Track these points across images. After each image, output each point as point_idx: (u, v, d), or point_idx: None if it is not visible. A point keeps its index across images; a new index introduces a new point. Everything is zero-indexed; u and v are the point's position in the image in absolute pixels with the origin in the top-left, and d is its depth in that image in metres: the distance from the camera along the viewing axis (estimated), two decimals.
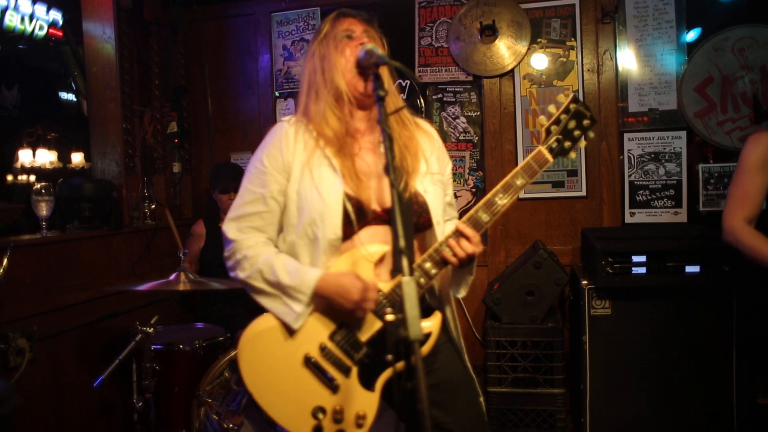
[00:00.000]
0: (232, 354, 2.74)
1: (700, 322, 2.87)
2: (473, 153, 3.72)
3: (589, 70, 3.57)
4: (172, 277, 2.78)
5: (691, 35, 3.47)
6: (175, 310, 3.70)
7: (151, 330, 2.56)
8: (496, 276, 3.58)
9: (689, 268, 2.83)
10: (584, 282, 2.97)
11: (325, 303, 1.59)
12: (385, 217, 1.62)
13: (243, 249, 1.66)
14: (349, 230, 1.59)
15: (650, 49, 3.49)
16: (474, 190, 3.72)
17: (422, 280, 1.59)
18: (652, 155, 3.49)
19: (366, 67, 1.61)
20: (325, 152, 1.65)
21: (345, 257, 1.60)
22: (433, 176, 1.72)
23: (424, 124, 1.83)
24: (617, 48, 3.53)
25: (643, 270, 2.86)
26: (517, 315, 3.09)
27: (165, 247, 3.70)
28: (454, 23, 3.68)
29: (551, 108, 1.70)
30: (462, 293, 1.80)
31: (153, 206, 3.72)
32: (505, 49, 3.59)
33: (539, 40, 3.61)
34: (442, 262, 1.59)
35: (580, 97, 3.54)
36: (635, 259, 2.87)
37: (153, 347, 2.64)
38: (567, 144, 1.65)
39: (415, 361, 1.11)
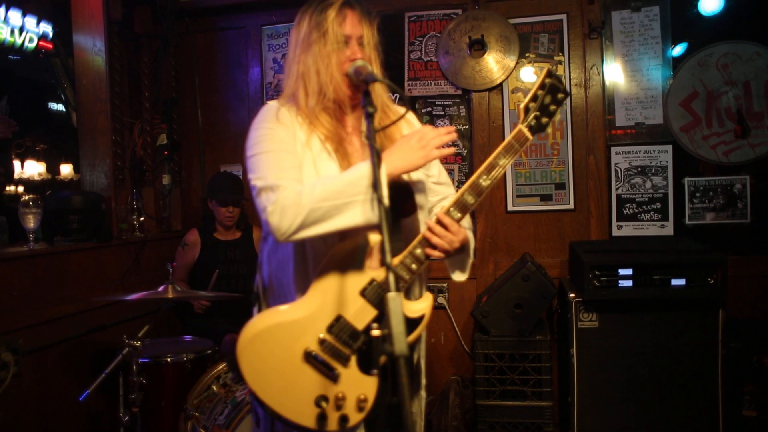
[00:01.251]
0: (220, 367, 2.74)
1: (686, 335, 2.89)
2: (462, 166, 3.74)
3: (576, 84, 3.61)
4: (161, 288, 2.77)
5: (678, 50, 3.52)
6: (163, 323, 3.68)
7: (138, 343, 2.54)
8: (484, 288, 3.59)
9: (675, 281, 2.86)
10: (572, 295, 2.99)
11: (321, 297, 1.59)
12: None
13: (290, 196, 1.54)
14: None
15: (637, 64, 3.54)
16: (458, 184, 3.73)
17: (414, 266, 1.62)
18: (639, 169, 3.53)
19: (356, 83, 1.63)
20: (322, 141, 1.67)
21: (349, 242, 1.59)
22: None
23: (402, 111, 1.79)
24: (604, 63, 3.58)
25: (629, 283, 2.89)
26: (506, 328, 3.11)
27: (154, 259, 3.69)
28: (443, 37, 3.71)
29: (527, 83, 1.71)
30: (460, 276, 1.79)
31: (142, 218, 3.71)
32: (494, 63, 3.63)
33: (527, 54, 3.65)
34: (424, 257, 1.62)
35: (568, 112, 3.59)
36: (622, 272, 2.89)
37: (140, 360, 2.62)
38: (544, 120, 1.69)
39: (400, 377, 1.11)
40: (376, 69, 1.69)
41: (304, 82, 1.69)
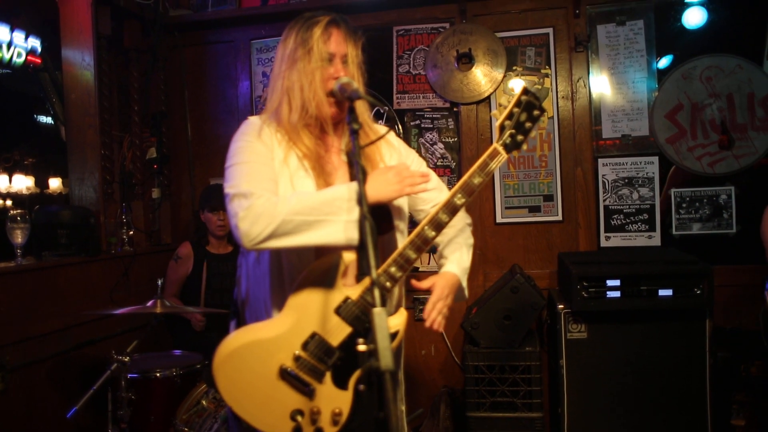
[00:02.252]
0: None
1: (674, 345, 2.91)
2: (451, 179, 3.76)
3: (563, 97, 3.65)
4: (150, 303, 2.76)
5: (663, 62, 3.57)
6: (153, 338, 3.66)
7: (126, 359, 2.53)
8: (474, 300, 3.60)
9: (662, 292, 2.88)
10: (560, 306, 3.00)
11: (296, 315, 1.60)
12: None
13: (263, 204, 1.54)
14: None
15: (622, 77, 3.59)
16: None
17: (387, 284, 1.63)
18: (626, 180, 3.57)
19: (340, 100, 1.64)
20: (300, 158, 1.69)
21: (324, 261, 1.61)
22: None
23: (383, 131, 1.80)
24: (590, 75, 3.62)
25: (617, 294, 2.91)
26: (495, 339, 3.11)
27: (143, 273, 3.67)
28: (431, 51, 3.75)
29: (504, 99, 1.74)
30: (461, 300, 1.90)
31: (131, 232, 3.70)
32: (482, 77, 3.67)
33: (515, 67, 3.68)
34: (406, 264, 1.64)
35: (555, 124, 3.62)
36: (609, 283, 2.92)
37: (129, 376, 2.61)
38: (519, 138, 1.69)
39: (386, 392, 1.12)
40: (361, 86, 1.71)
41: (288, 97, 1.71)
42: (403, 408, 1.86)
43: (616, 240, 3.58)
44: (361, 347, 1.20)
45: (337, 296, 1.61)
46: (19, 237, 2.90)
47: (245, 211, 1.53)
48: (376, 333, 1.15)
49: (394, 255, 1.64)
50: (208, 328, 3.43)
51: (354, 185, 1.55)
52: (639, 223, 3.55)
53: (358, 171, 1.37)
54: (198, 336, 3.42)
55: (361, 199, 1.36)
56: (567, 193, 3.64)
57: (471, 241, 1.97)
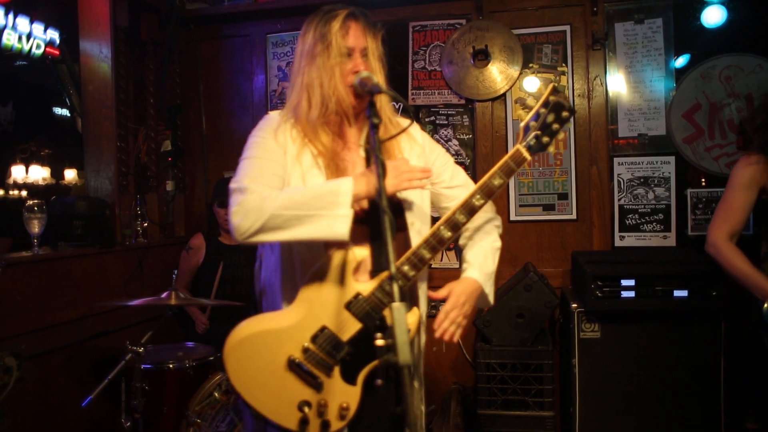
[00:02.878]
0: (222, 374, 2.74)
1: (688, 347, 2.89)
2: None
3: (579, 95, 3.63)
4: (164, 295, 2.78)
5: (680, 62, 3.53)
6: (165, 329, 3.68)
7: (141, 349, 2.55)
8: None
9: (677, 293, 2.86)
10: (574, 305, 2.99)
11: (307, 307, 1.61)
12: (362, 217, 1.65)
13: (255, 200, 1.55)
14: None
15: (640, 76, 3.56)
16: None
17: (400, 282, 1.61)
18: (642, 180, 3.54)
19: (360, 94, 1.64)
20: (314, 155, 1.69)
21: (336, 256, 1.61)
22: None
23: (405, 124, 1.75)
24: (607, 74, 3.59)
25: (632, 294, 2.89)
26: (508, 337, 3.10)
27: (157, 265, 3.70)
28: (447, 47, 3.73)
29: (530, 100, 1.72)
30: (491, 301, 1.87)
31: (145, 224, 3.72)
32: (498, 74, 3.65)
33: (531, 65, 3.66)
34: (420, 263, 1.64)
35: (571, 122, 3.60)
36: (624, 282, 2.90)
37: (143, 366, 2.63)
38: (545, 139, 1.66)
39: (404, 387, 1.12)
40: (380, 80, 1.70)
41: (308, 93, 1.71)
42: (423, 408, 1.86)
43: (630, 240, 3.55)
44: (379, 342, 1.20)
45: (348, 292, 1.62)
46: (36, 227, 2.92)
47: (238, 206, 1.55)
48: (394, 327, 1.15)
49: (408, 253, 1.64)
50: (219, 320, 3.45)
51: (348, 180, 1.55)
52: (654, 223, 3.52)
53: (377, 166, 1.36)
54: (209, 328, 3.44)
55: (380, 191, 1.34)
56: (582, 191, 3.62)
57: (498, 244, 1.90)
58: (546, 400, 3.05)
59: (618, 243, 3.57)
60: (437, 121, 3.79)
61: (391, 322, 1.16)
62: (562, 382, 3.30)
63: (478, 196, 1.64)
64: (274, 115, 1.78)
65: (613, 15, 3.57)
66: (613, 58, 3.58)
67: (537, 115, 1.65)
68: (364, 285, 1.63)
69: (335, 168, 1.70)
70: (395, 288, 1.19)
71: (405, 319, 1.17)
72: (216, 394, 2.68)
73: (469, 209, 1.64)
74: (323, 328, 1.61)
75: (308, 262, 1.65)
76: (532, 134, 1.65)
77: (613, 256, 3.38)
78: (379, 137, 1.43)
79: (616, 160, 3.58)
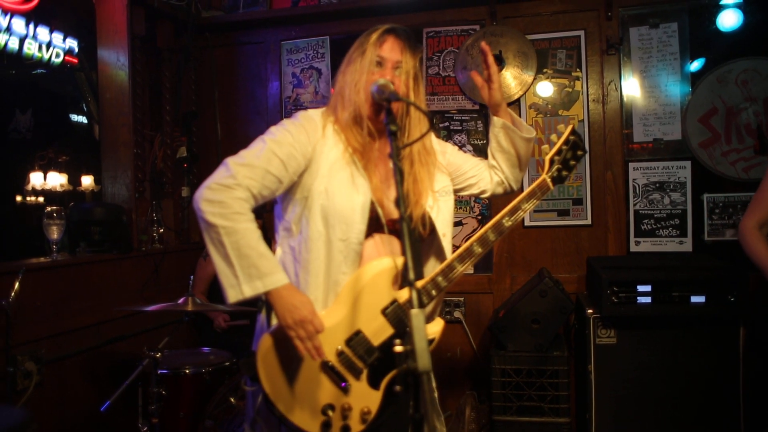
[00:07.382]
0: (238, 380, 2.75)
1: (706, 353, 2.86)
2: None
3: (594, 100, 3.61)
4: (181, 300, 2.80)
5: (696, 65, 3.51)
6: (182, 335, 3.71)
7: (158, 354, 2.57)
8: (501, 303, 3.58)
9: (694, 298, 2.84)
10: (589, 311, 2.97)
11: (345, 311, 1.65)
12: (392, 227, 1.75)
13: (233, 201, 1.61)
14: (367, 236, 1.70)
15: (655, 80, 3.54)
16: (480, 217, 3.75)
17: (433, 291, 1.72)
18: (657, 185, 3.52)
19: (378, 102, 1.66)
20: (353, 158, 1.74)
21: (380, 263, 1.69)
22: (436, 192, 1.85)
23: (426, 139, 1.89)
24: (622, 78, 3.58)
25: (648, 300, 2.87)
26: (523, 343, 3.09)
27: (173, 271, 3.73)
28: (461, 53, 3.74)
29: (553, 137, 1.86)
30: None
31: (161, 230, 3.76)
32: (512, 79, 3.65)
33: (545, 70, 3.66)
34: (451, 275, 1.73)
35: (586, 127, 3.59)
36: (640, 288, 2.88)
37: (159, 372, 2.65)
38: (564, 173, 1.90)
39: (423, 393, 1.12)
40: (413, 98, 1.75)
41: (342, 96, 1.78)
42: (443, 419, 1.90)
43: (646, 245, 3.53)
44: (398, 348, 1.21)
45: (386, 298, 1.68)
46: (55, 233, 2.96)
47: (216, 191, 1.60)
48: (413, 334, 1.15)
49: (443, 266, 1.73)
50: (235, 329, 3.46)
51: (285, 284, 1.59)
52: (670, 228, 3.50)
53: (396, 173, 1.37)
54: (225, 334, 3.46)
55: (400, 199, 1.36)
56: (597, 196, 3.60)
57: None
58: (562, 407, 3.03)
59: (633, 248, 3.55)
60: (451, 127, 3.80)
61: (410, 328, 1.17)
62: (577, 388, 3.28)
63: (506, 218, 1.80)
64: (311, 112, 1.83)
65: (627, 20, 3.56)
66: (627, 63, 3.57)
67: (559, 151, 1.89)
68: (400, 293, 1.69)
69: (375, 173, 1.76)
70: (414, 295, 1.20)
71: (424, 326, 1.17)
72: (232, 400, 2.69)
73: (499, 230, 1.79)
74: (358, 332, 1.66)
75: (341, 269, 1.69)
76: (555, 167, 1.88)
77: (629, 261, 3.36)
78: (397, 144, 1.44)
79: (631, 164, 3.56)
